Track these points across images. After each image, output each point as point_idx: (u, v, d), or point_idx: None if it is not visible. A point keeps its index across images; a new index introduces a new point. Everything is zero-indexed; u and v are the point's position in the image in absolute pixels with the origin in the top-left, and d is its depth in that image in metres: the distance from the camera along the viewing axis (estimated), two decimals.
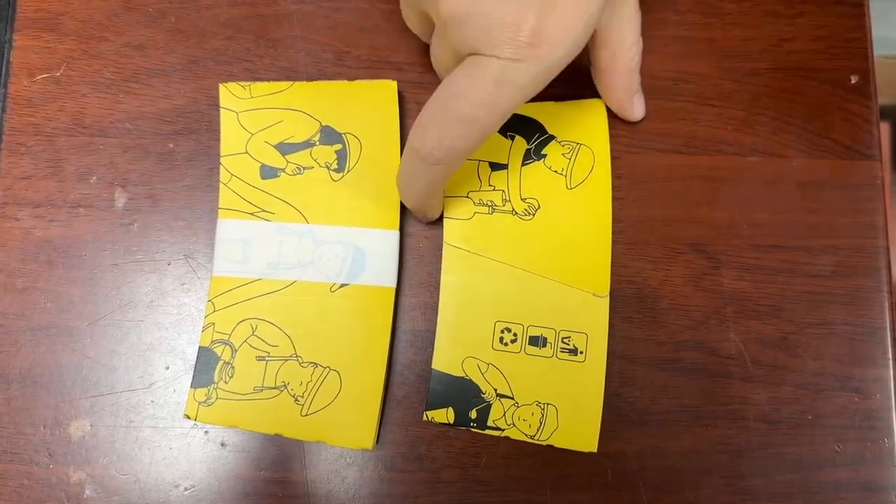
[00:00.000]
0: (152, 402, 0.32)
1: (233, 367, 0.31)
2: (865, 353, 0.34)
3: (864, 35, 0.36)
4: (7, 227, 0.33)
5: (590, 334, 0.32)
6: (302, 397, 0.31)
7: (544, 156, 0.33)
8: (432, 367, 0.32)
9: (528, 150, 0.33)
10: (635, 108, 0.34)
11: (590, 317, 0.32)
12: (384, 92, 0.33)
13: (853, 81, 0.35)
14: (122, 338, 0.33)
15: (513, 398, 0.32)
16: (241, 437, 0.32)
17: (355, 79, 0.34)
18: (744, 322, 0.34)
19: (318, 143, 0.33)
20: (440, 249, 0.34)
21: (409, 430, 0.33)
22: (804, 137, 0.35)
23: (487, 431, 0.32)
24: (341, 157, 0.33)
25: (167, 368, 0.33)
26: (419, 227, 0.34)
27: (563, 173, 0.33)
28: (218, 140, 0.33)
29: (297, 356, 0.31)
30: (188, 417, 0.31)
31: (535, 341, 0.32)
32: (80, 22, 0.35)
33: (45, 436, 0.32)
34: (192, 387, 0.31)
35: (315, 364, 0.31)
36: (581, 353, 0.32)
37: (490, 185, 0.33)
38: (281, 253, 0.32)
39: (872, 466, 0.33)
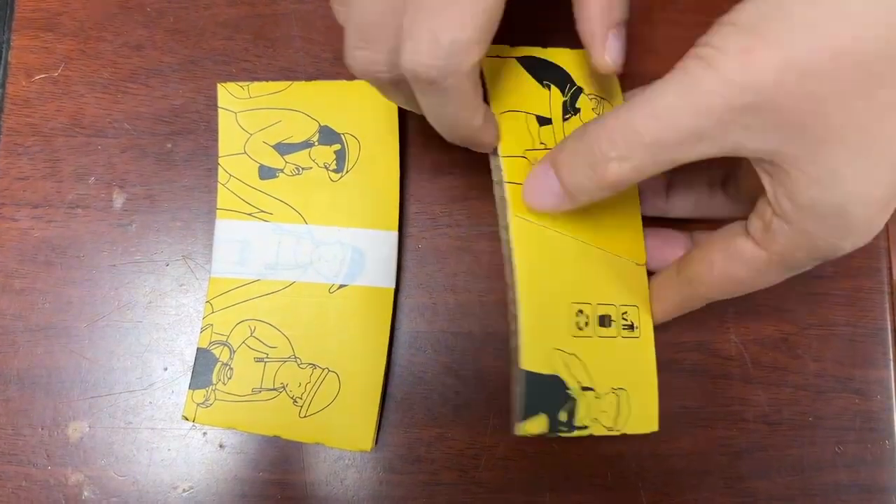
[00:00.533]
0: (150, 403, 0.32)
1: (231, 369, 0.31)
2: (866, 355, 0.33)
3: None
4: (5, 227, 0.33)
5: (640, 306, 0.30)
6: (300, 399, 0.31)
7: (579, 110, 0.30)
8: (522, 367, 0.27)
9: (564, 103, 0.30)
10: (609, 49, 0.26)
11: (637, 287, 0.30)
12: None
13: None
14: (120, 339, 0.33)
15: (594, 389, 0.28)
16: (239, 439, 0.32)
17: (354, 79, 0.34)
18: (744, 323, 0.34)
19: (316, 143, 0.33)
20: (439, 251, 0.34)
21: (408, 431, 0.32)
22: None
23: (575, 433, 0.28)
24: (340, 157, 0.33)
25: (165, 370, 0.33)
26: (418, 228, 0.34)
27: None
28: (216, 140, 0.33)
29: (295, 357, 0.31)
30: (186, 419, 0.31)
31: (603, 321, 0.29)
32: (78, 22, 0.35)
33: (43, 437, 0.32)
34: (190, 388, 0.31)
35: (314, 365, 0.31)
36: (637, 328, 0.29)
37: (540, 143, 0.29)
38: (279, 254, 0.32)
39: (873, 468, 0.33)
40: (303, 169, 0.32)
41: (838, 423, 0.33)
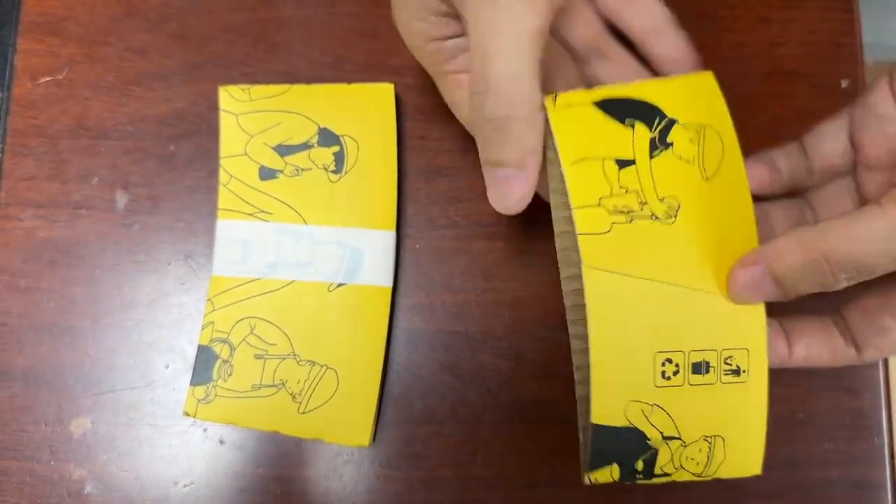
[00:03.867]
0: (152, 400, 0.33)
1: (231, 366, 0.32)
2: None
3: (854, 40, 0.36)
4: (10, 227, 0.34)
5: (750, 349, 0.28)
6: (299, 395, 0.32)
7: (671, 144, 0.28)
8: (592, 422, 0.26)
9: (652, 140, 0.28)
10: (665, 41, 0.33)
11: (747, 328, 0.28)
12: (381, 95, 0.34)
13: (843, 86, 0.36)
14: (122, 337, 0.33)
15: (680, 438, 0.27)
16: (239, 435, 0.33)
17: (353, 82, 0.34)
18: None
19: (316, 144, 0.33)
20: (436, 251, 0.34)
21: (405, 428, 0.33)
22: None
23: (654, 480, 0.27)
24: (339, 158, 0.33)
25: (167, 367, 0.33)
26: (416, 229, 0.34)
27: (695, 162, 0.28)
28: (217, 142, 0.33)
29: (295, 354, 0.32)
30: (187, 415, 0.31)
31: (698, 368, 0.27)
32: (82, 26, 0.35)
33: (46, 433, 0.33)
34: (191, 384, 0.31)
35: (313, 362, 0.32)
36: (744, 371, 0.28)
37: (621, 188, 0.27)
38: (279, 253, 0.33)
39: (863, 465, 0.33)
40: (302, 170, 0.33)
41: (829, 420, 0.34)
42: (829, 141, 0.31)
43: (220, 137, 0.33)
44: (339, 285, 0.32)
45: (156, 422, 0.33)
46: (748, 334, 0.28)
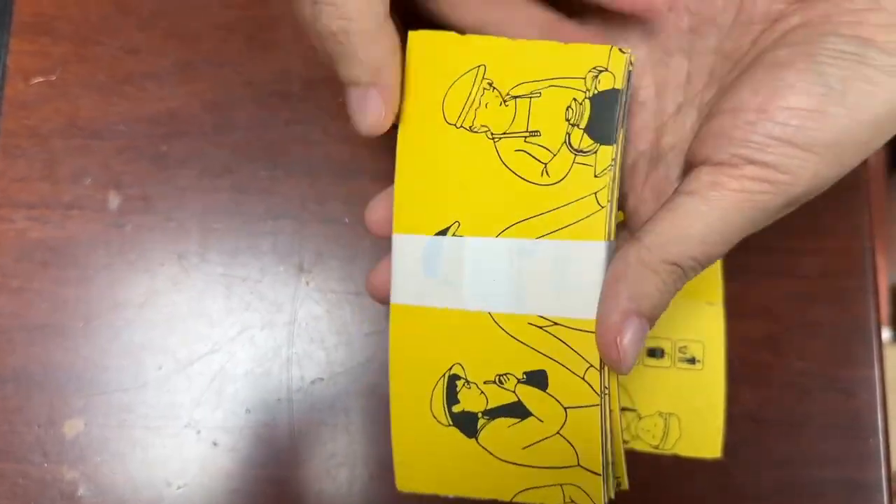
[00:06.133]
0: (144, 401, 0.33)
1: None
2: (851, 354, 0.34)
3: None
4: (2, 228, 0.34)
5: (706, 342, 0.33)
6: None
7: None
8: None
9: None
10: None
11: (705, 325, 0.33)
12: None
13: None
14: (114, 337, 0.33)
15: (635, 410, 0.32)
16: (232, 437, 0.33)
17: None
18: (731, 322, 0.34)
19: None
20: None
21: None
22: None
23: None
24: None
25: (159, 368, 0.33)
26: None
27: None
28: (210, 142, 0.33)
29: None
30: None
31: (653, 353, 0.33)
32: (74, 26, 0.35)
33: (39, 435, 0.32)
34: None
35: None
36: (699, 361, 0.33)
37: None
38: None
39: (858, 466, 0.33)
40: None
41: (824, 420, 0.34)
42: None
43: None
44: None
45: (148, 423, 0.33)
46: (706, 329, 0.32)
